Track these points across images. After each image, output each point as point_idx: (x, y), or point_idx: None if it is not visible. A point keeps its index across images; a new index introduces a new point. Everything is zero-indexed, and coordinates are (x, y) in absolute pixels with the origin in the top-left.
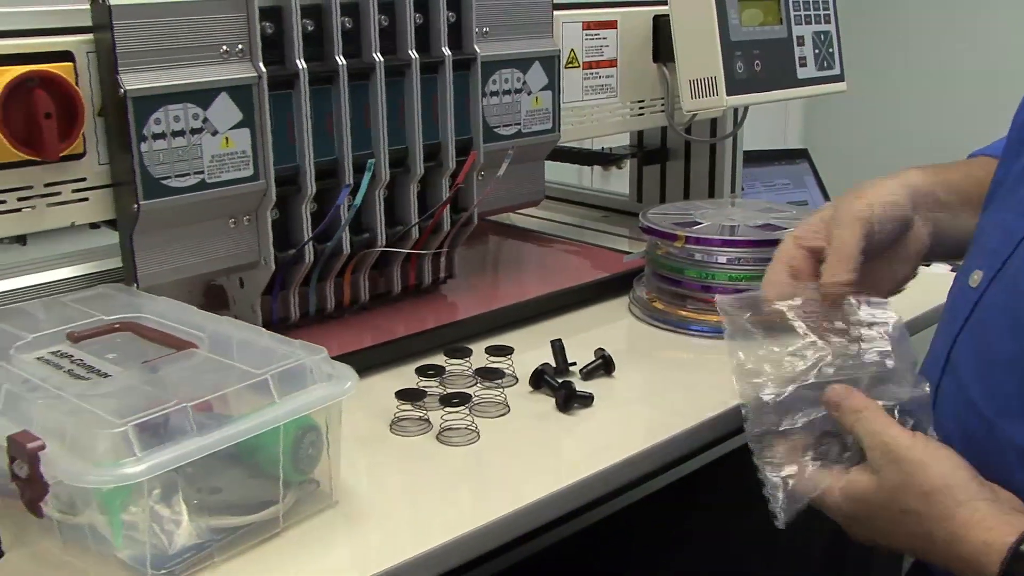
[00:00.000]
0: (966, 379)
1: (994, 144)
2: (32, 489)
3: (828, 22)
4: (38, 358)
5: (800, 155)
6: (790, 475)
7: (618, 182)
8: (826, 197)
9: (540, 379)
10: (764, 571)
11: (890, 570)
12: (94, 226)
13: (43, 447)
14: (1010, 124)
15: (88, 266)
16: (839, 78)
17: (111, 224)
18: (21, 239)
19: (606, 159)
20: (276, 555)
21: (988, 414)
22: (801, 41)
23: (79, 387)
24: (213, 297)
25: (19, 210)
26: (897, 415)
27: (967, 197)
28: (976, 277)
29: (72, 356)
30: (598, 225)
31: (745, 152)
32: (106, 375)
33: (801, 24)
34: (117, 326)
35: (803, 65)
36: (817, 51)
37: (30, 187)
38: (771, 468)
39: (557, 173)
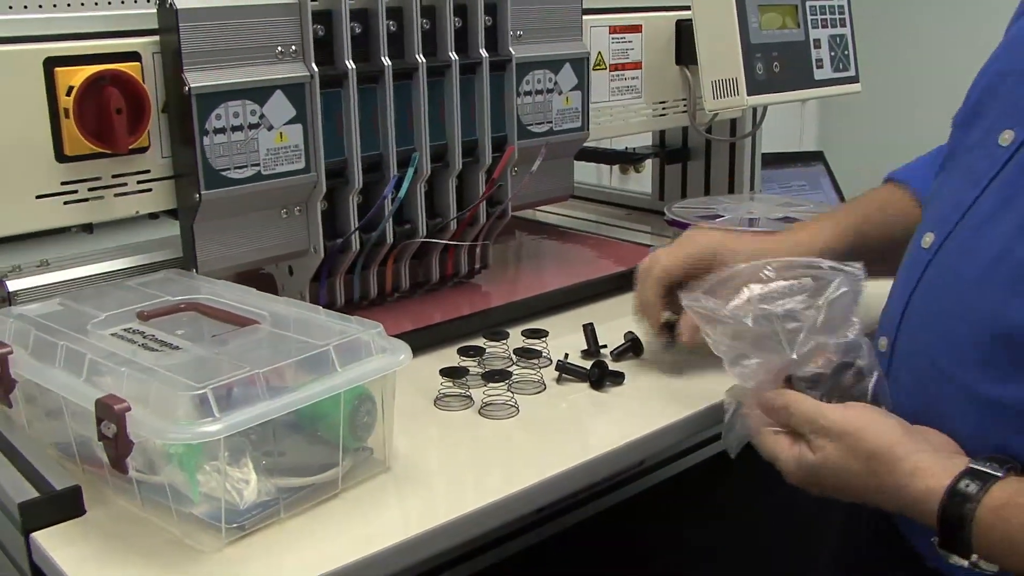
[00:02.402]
0: (920, 332)
1: (909, 166)
2: (119, 448)
3: (844, 26)
4: (113, 334)
5: (816, 157)
6: (744, 412)
7: (635, 184)
8: (841, 198)
9: (564, 368)
10: (782, 551)
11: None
12: (153, 216)
13: (129, 408)
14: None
15: (147, 256)
16: (854, 79)
17: (170, 214)
18: (88, 228)
19: (629, 159)
20: (335, 514)
21: (940, 363)
22: (818, 44)
23: (155, 358)
24: (260, 286)
25: (89, 199)
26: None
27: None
28: (928, 239)
29: (144, 332)
30: (621, 222)
31: (763, 154)
32: (177, 348)
33: (818, 28)
34: (183, 306)
35: (819, 67)
36: (833, 53)
37: (99, 178)
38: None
39: (577, 173)
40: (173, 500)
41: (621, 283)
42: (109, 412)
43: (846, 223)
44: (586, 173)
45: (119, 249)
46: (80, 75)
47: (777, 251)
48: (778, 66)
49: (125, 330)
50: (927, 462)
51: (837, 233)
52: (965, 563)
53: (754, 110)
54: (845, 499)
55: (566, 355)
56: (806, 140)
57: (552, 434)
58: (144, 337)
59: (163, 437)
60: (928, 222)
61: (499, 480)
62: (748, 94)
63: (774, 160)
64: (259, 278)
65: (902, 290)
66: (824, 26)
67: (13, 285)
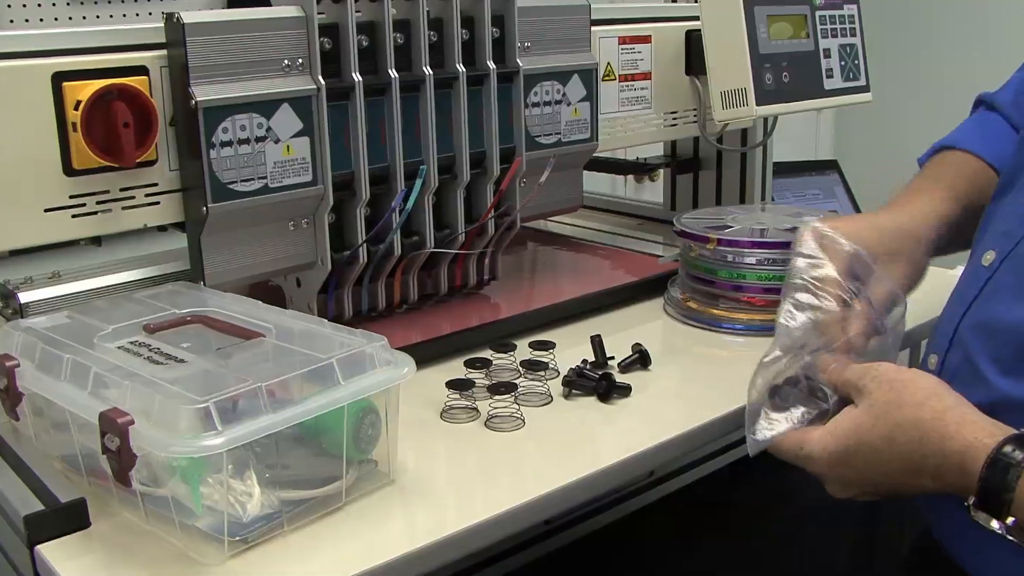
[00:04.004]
0: (973, 349)
1: (960, 132)
2: (122, 460)
3: (854, 35)
4: (119, 347)
5: (830, 166)
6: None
7: (650, 193)
8: (856, 207)
9: (571, 384)
10: (795, 565)
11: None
12: (162, 229)
13: (132, 422)
14: None
15: (156, 268)
16: (865, 89)
17: (179, 227)
18: (96, 240)
19: (640, 169)
20: (339, 526)
21: (992, 378)
22: (827, 53)
23: (160, 371)
24: (269, 298)
25: (97, 213)
26: None
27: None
28: (989, 256)
29: (150, 345)
30: (633, 232)
31: (776, 163)
32: (182, 361)
33: (827, 37)
34: (189, 319)
35: (829, 76)
36: (843, 63)
37: (107, 191)
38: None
39: (592, 183)
40: (177, 513)
41: (630, 295)
42: (112, 425)
43: (949, 192)
44: (600, 183)
45: (129, 261)
46: (88, 89)
47: (887, 228)
48: (787, 76)
49: (131, 343)
50: (974, 417)
51: (941, 198)
52: (997, 525)
53: (764, 120)
54: (876, 474)
55: (575, 368)
56: (821, 149)
57: (559, 446)
58: (150, 350)
59: (166, 450)
60: (989, 240)
61: (505, 492)
62: (757, 104)
63: (788, 169)
64: (269, 290)
65: (956, 308)
66: (834, 36)
67: (24, 297)
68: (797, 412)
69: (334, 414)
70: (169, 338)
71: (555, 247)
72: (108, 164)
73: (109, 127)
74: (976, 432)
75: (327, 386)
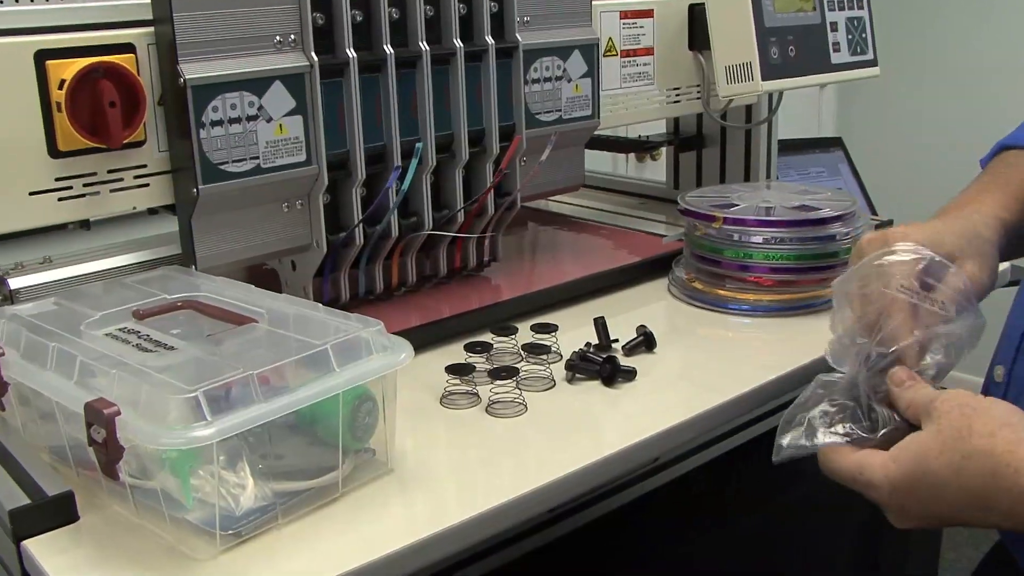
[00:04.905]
0: None
1: (1021, 129)
2: (109, 452)
3: (861, 8)
4: (107, 334)
5: (834, 143)
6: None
7: (652, 172)
8: (860, 185)
9: (574, 368)
10: (798, 553)
11: (927, 551)
12: (152, 212)
13: (119, 412)
14: None
15: (145, 253)
16: (872, 63)
17: (170, 209)
18: (85, 224)
19: (643, 147)
20: (336, 518)
21: None
22: (835, 27)
23: (148, 359)
24: (264, 282)
25: (84, 195)
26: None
27: None
28: None
29: (139, 332)
30: (635, 211)
31: (780, 141)
32: (172, 348)
33: (834, 10)
34: (179, 304)
35: (836, 50)
36: (850, 36)
37: (94, 173)
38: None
39: (593, 162)
40: (166, 506)
41: (634, 275)
42: (98, 416)
43: (1008, 193)
44: (601, 161)
45: (122, 245)
46: (73, 68)
47: (953, 229)
48: (794, 50)
49: (120, 330)
50: None
51: (1005, 203)
52: None
53: (770, 96)
54: (941, 507)
55: (579, 351)
56: (824, 125)
57: (562, 432)
58: (139, 337)
59: (154, 442)
60: None
61: (507, 480)
62: (763, 79)
63: (791, 146)
64: (264, 274)
65: (1019, 313)
66: (841, 8)
67: (15, 283)
68: (841, 429)
69: (329, 402)
70: (159, 324)
71: (556, 227)
72: (95, 145)
73: (95, 107)
74: None
75: (322, 373)
